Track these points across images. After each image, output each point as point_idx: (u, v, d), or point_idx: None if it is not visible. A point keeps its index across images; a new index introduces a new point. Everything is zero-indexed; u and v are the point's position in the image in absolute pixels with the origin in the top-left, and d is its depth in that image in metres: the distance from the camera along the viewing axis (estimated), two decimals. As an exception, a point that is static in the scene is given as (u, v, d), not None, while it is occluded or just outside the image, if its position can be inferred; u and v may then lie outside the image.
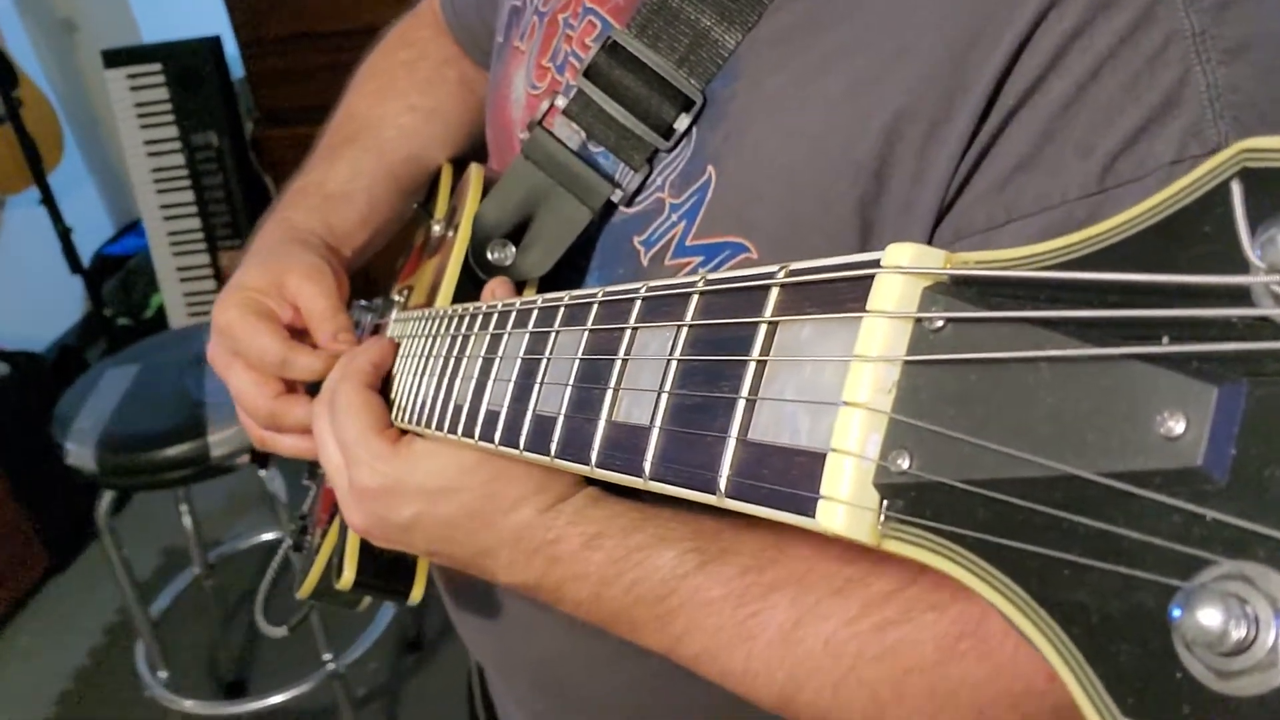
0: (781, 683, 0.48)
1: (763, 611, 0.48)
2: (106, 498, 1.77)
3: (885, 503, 0.23)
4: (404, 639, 2.20)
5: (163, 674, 1.89)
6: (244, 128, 2.88)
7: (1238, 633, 0.15)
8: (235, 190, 2.85)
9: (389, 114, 0.78)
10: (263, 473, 1.71)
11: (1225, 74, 0.40)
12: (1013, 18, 0.42)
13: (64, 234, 2.52)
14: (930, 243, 0.46)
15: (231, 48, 2.80)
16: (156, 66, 2.78)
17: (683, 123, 0.52)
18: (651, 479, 0.31)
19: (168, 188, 2.85)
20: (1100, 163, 0.41)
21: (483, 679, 0.89)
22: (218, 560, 2.23)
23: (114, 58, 2.79)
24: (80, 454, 1.66)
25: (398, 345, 0.58)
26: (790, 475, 0.25)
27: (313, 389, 0.67)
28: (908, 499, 0.22)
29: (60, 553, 2.50)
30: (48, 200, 2.50)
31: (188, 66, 2.79)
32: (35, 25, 3.02)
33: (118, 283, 3.00)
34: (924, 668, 0.46)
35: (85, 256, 2.66)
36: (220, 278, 2.91)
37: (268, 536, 2.36)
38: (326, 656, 1.84)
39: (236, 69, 2.86)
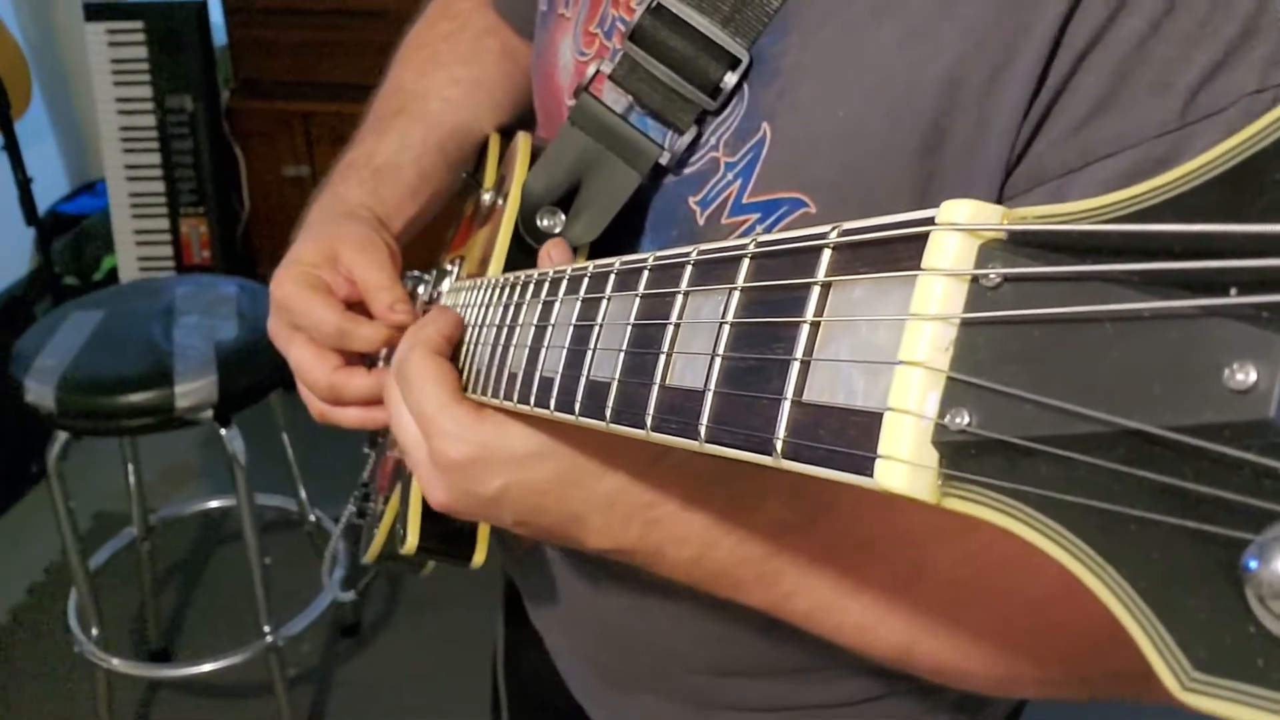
0: (900, 632, 0.48)
1: (871, 562, 0.48)
2: (59, 441, 1.72)
3: (945, 461, 0.23)
4: (340, 623, 2.18)
5: (95, 631, 1.86)
6: (220, 95, 2.85)
7: (1313, 585, 0.15)
8: (204, 157, 2.82)
9: (434, 86, 0.79)
10: (224, 431, 1.69)
11: None
12: None
13: (23, 183, 2.48)
14: (1003, 191, 0.46)
15: (216, 14, 2.77)
16: (138, 24, 2.75)
17: (729, 81, 0.52)
18: (707, 442, 0.31)
19: (135, 148, 2.82)
20: (1181, 98, 0.40)
21: (510, 664, 0.91)
22: (159, 523, 2.19)
23: (95, 11, 2.76)
24: (40, 392, 1.61)
25: (462, 319, 0.58)
26: (847, 435, 0.25)
27: (372, 362, 0.68)
28: (968, 457, 0.22)
29: None
30: (10, 147, 2.46)
31: (170, 28, 2.76)
32: None
33: (69, 242, 2.97)
34: (1041, 605, 0.46)
35: (39, 211, 2.63)
36: (179, 244, 2.89)
37: (214, 503, 2.34)
38: (267, 628, 1.82)
39: (219, 36, 2.82)
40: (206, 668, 1.89)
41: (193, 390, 1.63)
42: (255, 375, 1.70)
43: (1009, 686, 0.51)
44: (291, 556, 2.17)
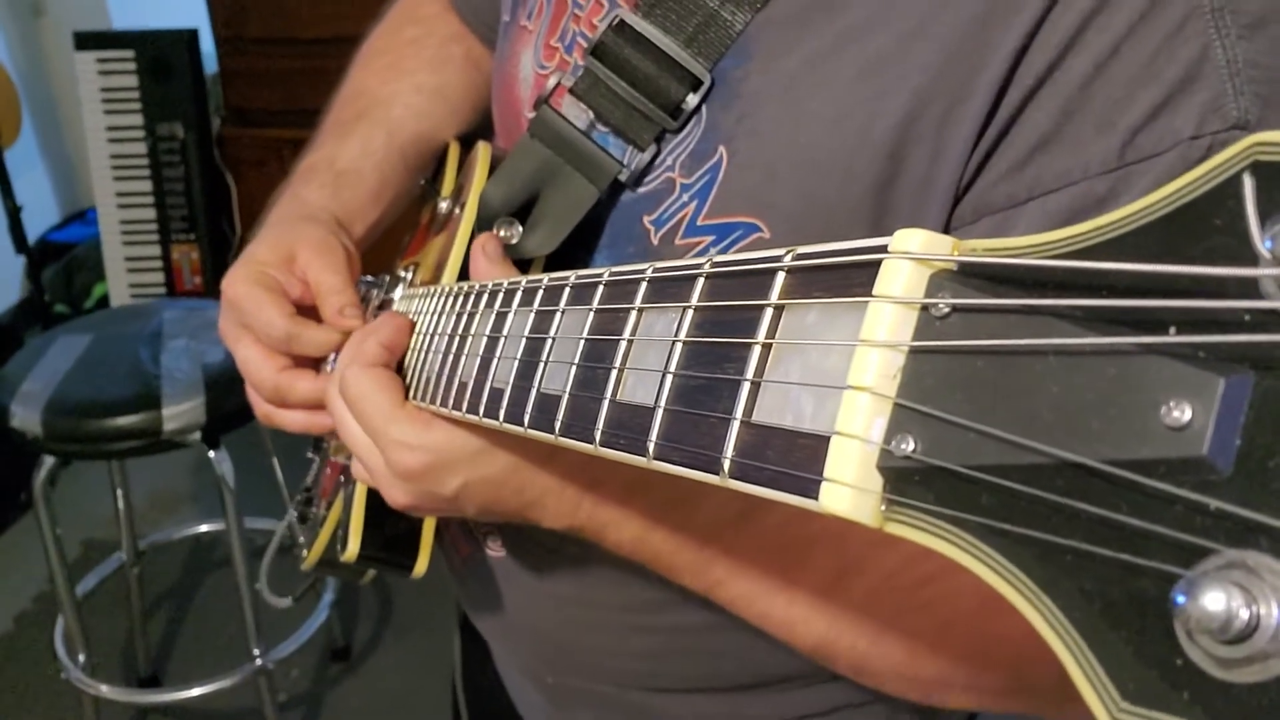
0: (821, 632, 0.49)
1: (805, 561, 0.49)
2: (46, 465, 1.70)
3: (888, 486, 0.23)
4: (331, 647, 2.16)
5: (82, 658, 1.84)
6: (211, 123, 2.85)
7: (1239, 621, 0.15)
8: (195, 185, 2.83)
9: (398, 92, 0.78)
10: (212, 454, 1.67)
11: (1245, 49, 0.40)
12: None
13: (13, 211, 2.47)
14: (949, 221, 0.47)
15: (207, 43, 2.76)
16: (129, 53, 2.75)
17: (691, 102, 0.52)
18: (655, 459, 0.31)
19: (126, 175, 2.82)
20: (1121, 138, 0.41)
21: (467, 684, 0.90)
22: (148, 548, 2.16)
23: (86, 40, 2.76)
24: (26, 417, 1.59)
25: (413, 324, 0.58)
26: (794, 457, 0.25)
27: (322, 364, 0.67)
28: (911, 483, 0.22)
29: None
30: (0, 176, 2.46)
31: (160, 57, 2.76)
32: (3, 3, 2.96)
33: (60, 270, 2.96)
34: (962, 621, 0.47)
35: (29, 240, 2.62)
36: (170, 271, 2.89)
37: (204, 528, 2.31)
38: (256, 651, 1.80)
39: (210, 65, 2.82)
40: (195, 692, 1.86)
41: (180, 413, 1.62)
42: (243, 397, 1.65)
43: (934, 692, 0.51)
44: (282, 581, 2.12)
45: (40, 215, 3.02)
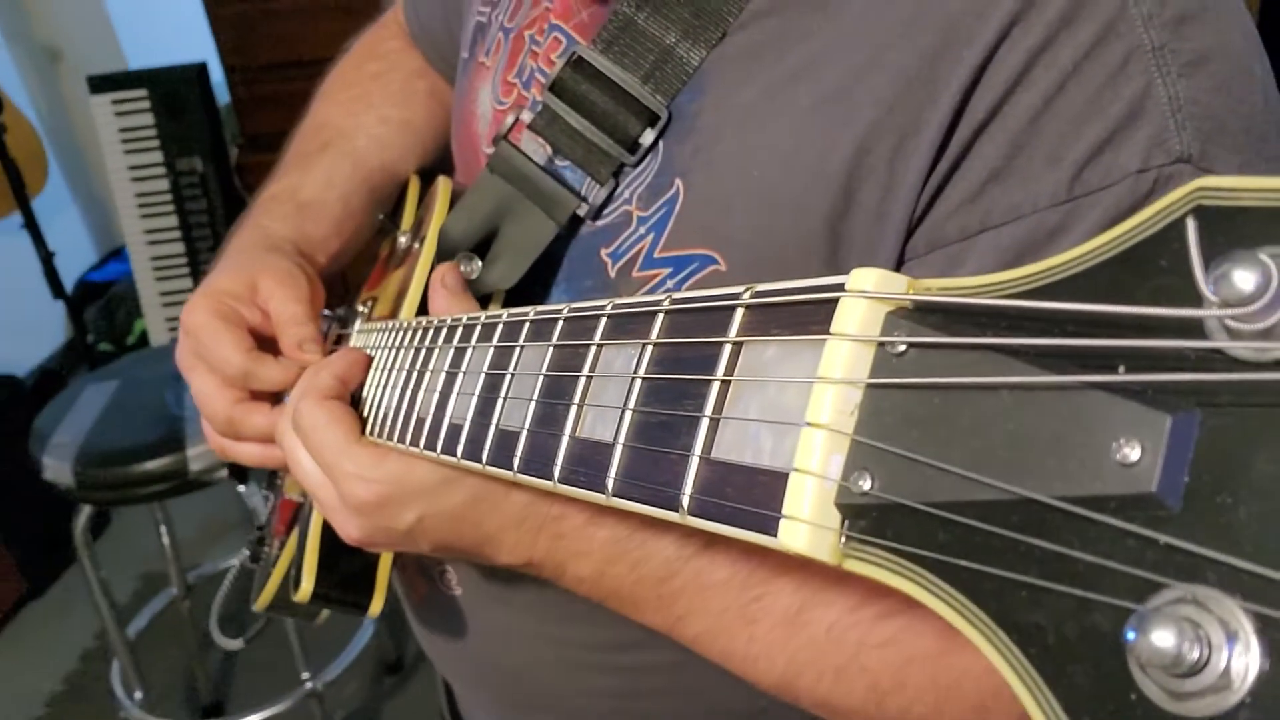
0: (783, 667, 0.49)
1: (766, 596, 0.49)
2: (84, 514, 1.75)
3: (846, 523, 0.23)
4: (383, 661, 2.17)
5: (138, 694, 1.86)
6: (229, 153, 2.88)
7: (1191, 655, 0.15)
8: (219, 215, 2.86)
9: (363, 124, 0.78)
10: (241, 488, 1.68)
11: (1185, 86, 0.42)
12: (977, 33, 0.43)
13: (46, 259, 2.50)
14: (903, 254, 0.47)
15: (217, 74, 2.79)
16: (142, 92, 2.78)
17: (648, 137, 0.53)
18: (615, 495, 0.31)
19: (152, 213, 2.85)
20: (1069, 171, 0.42)
21: (450, 698, 0.89)
22: (197, 581, 2.17)
23: (99, 84, 2.79)
24: (57, 469, 1.64)
25: (370, 359, 0.57)
26: (753, 494, 0.26)
27: (279, 397, 0.66)
28: (869, 519, 0.23)
29: (36, 580, 2.46)
30: (30, 225, 2.48)
31: (173, 92, 2.79)
32: (21, 51, 3.00)
33: (100, 308, 2.99)
34: (925, 658, 0.47)
35: (68, 283, 2.65)
36: None
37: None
38: (304, 675, 1.82)
39: (222, 95, 2.85)
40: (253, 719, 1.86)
41: (205, 452, 1.64)
42: None
43: None
44: (237, 621, 2.12)
45: (77, 256, 3.06)
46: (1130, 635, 0.16)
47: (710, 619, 0.49)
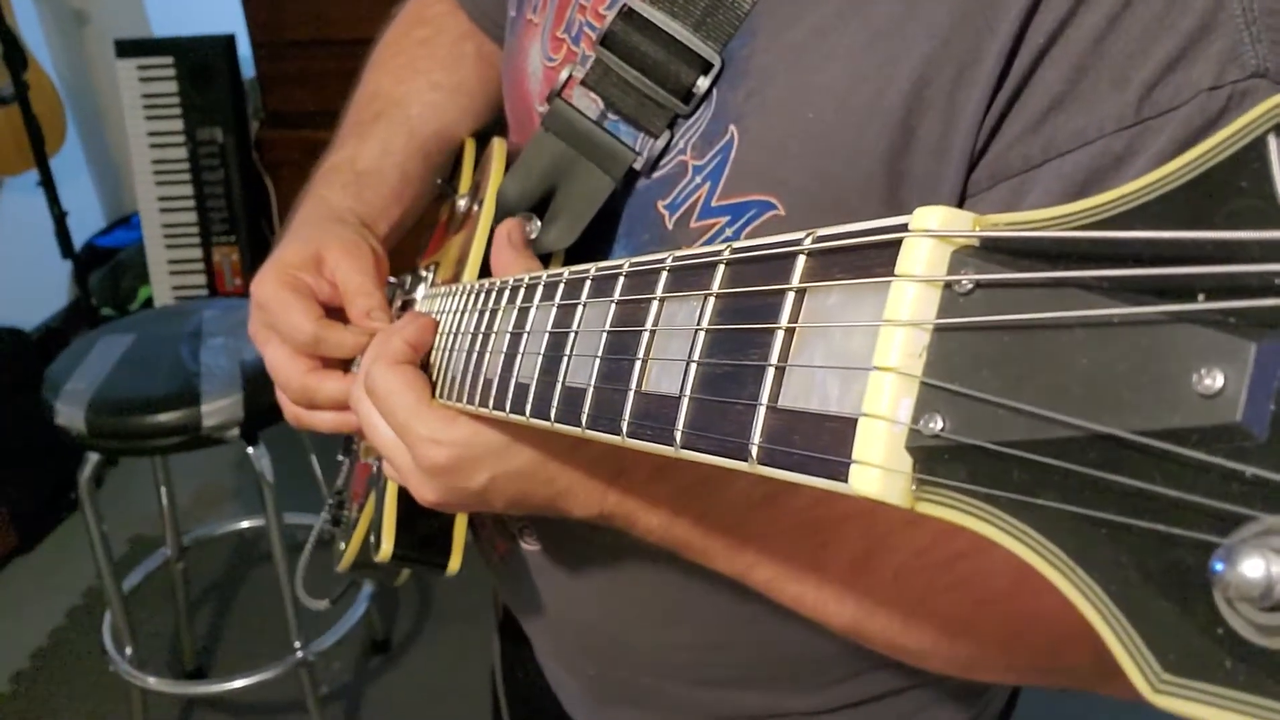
0: (852, 610, 0.49)
1: (833, 542, 0.49)
2: (91, 462, 1.74)
3: (918, 465, 0.23)
4: (371, 640, 2.17)
5: (128, 650, 1.88)
6: (249, 127, 2.89)
7: (1280, 587, 0.15)
8: (235, 188, 2.87)
9: (414, 91, 0.78)
10: (251, 450, 1.70)
11: None
12: None
13: (59, 218, 2.53)
14: (965, 190, 0.46)
15: (244, 47, 2.80)
16: (168, 60, 2.80)
17: (702, 85, 0.52)
18: (683, 448, 0.31)
19: (167, 180, 2.87)
20: (1136, 93, 0.41)
21: (507, 677, 0.91)
22: (192, 544, 2.19)
23: (126, 48, 2.81)
24: (70, 414, 1.63)
25: (437, 323, 0.58)
26: (822, 441, 0.25)
27: (350, 365, 0.67)
28: (941, 461, 0.22)
29: (26, 536, 2.48)
30: (47, 183, 2.50)
31: (200, 62, 2.81)
32: (48, 13, 3.03)
33: (106, 273, 3.02)
34: (995, 600, 0.47)
35: (76, 245, 2.68)
36: (211, 273, 2.94)
37: (245, 524, 2.34)
38: (297, 644, 1.83)
39: (247, 69, 2.86)
40: (239, 684, 1.89)
41: (219, 409, 1.64)
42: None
43: (972, 669, 0.51)
44: (321, 574, 2.12)
45: (86, 221, 3.09)
46: (1218, 567, 0.16)
47: (779, 566, 0.50)
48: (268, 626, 2.16)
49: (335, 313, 0.67)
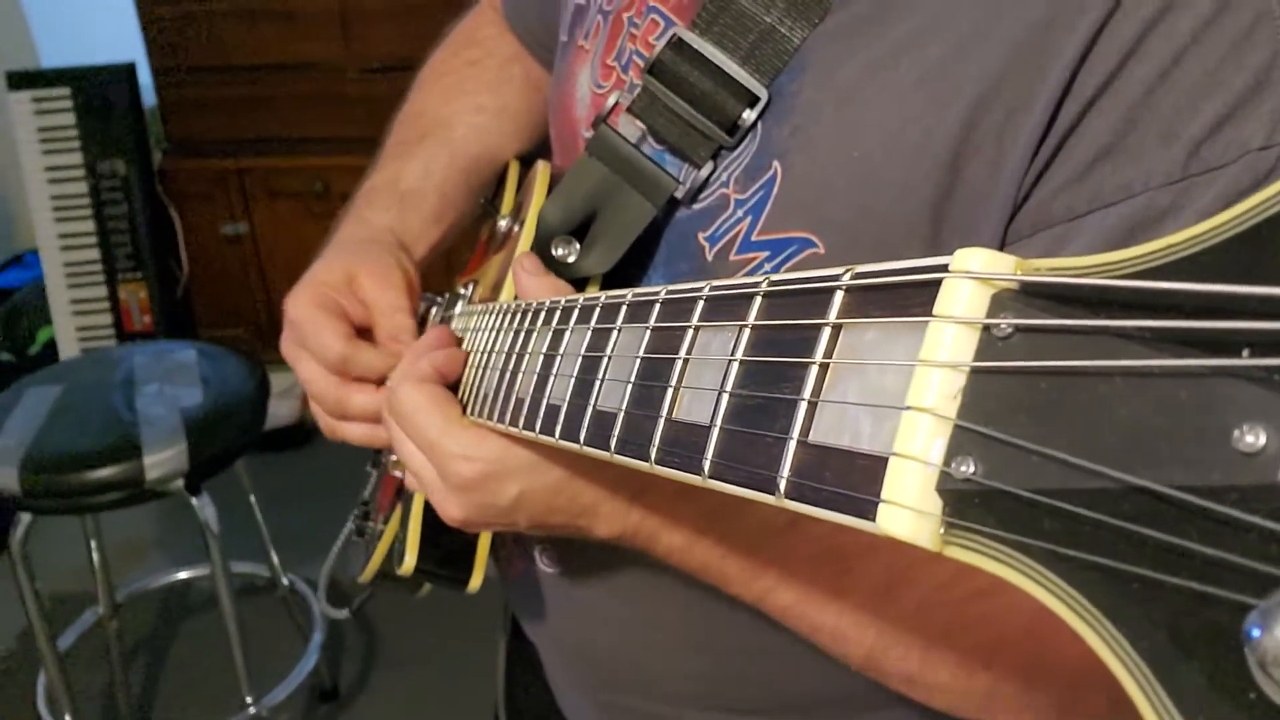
0: (871, 642, 0.49)
1: (856, 570, 0.49)
2: (24, 522, 1.63)
3: (948, 509, 0.23)
4: (319, 688, 2.11)
5: (67, 717, 1.78)
6: (152, 157, 2.79)
7: (1316, 655, 0.15)
8: (139, 221, 2.76)
9: (459, 112, 0.79)
10: (195, 500, 1.63)
11: None
12: (1089, 2, 0.42)
13: None
14: (1005, 235, 0.46)
15: (144, 76, 2.72)
16: (64, 91, 2.70)
17: (748, 118, 0.52)
18: (711, 477, 0.31)
19: (68, 216, 2.75)
20: (1185, 149, 0.40)
21: (510, 697, 0.90)
22: (125, 599, 2.10)
23: (18, 80, 2.69)
24: (1, 474, 1.53)
25: (467, 355, 0.59)
26: (852, 478, 0.25)
27: (384, 379, 0.68)
28: (971, 506, 0.22)
29: None
30: None
31: (99, 92, 2.70)
32: None
33: (1, 316, 2.84)
34: (1015, 640, 0.46)
35: None
36: (118, 312, 2.82)
37: (182, 575, 2.26)
38: (249, 699, 1.76)
39: (148, 97, 2.77)
40: None
41: (162, 460, 1.58)
42: (224, 441, 1.66)
43: (987, 708, 0.50)
44: (264, 623, 2.10)
45: None
46: (1253, 633, 0.15)
47: (799, 592, 0.49)
48: (208, 681, 2.08)
49: (366, 333, 0.68)
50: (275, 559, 2.06)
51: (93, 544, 1.96)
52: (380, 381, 0.67)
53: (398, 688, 2.15)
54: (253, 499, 1.96)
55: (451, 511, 0.53)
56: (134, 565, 2.45)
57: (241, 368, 1.79)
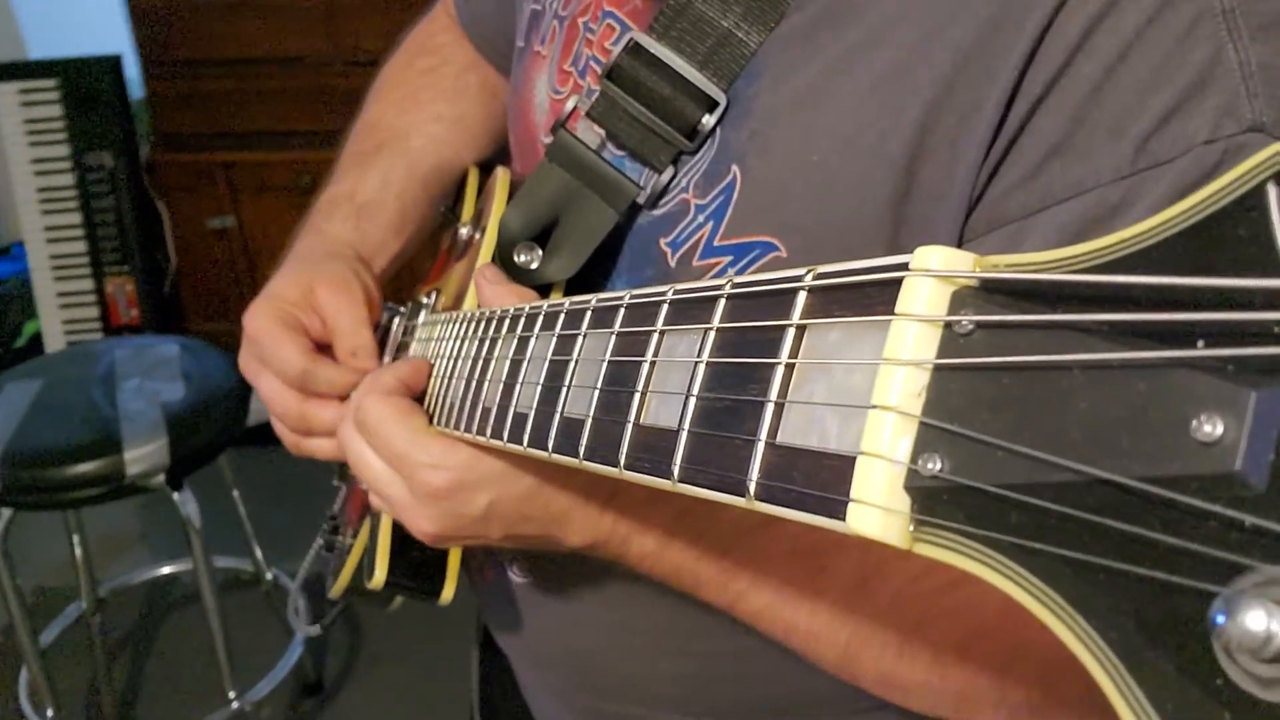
0: (846, 640, 0.49)
1: (829, 567, 0.49)
2: (4, 517, 1.64)
3: (916, 506, 0.23)
4: (302, 682, 2.10)
5: (50, 712, 1.78)
6: (140, 150, 2.77)
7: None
8: (126, 214, 2.75)
9: (416, 122, 0.79)
10: (176, 495, 1.63)
11: (1259, 51, 0.40)
12: (1036, 2, 0.42)
13: None
14: (962, 234, 0.46)
15: (132, 68, 2.71)
16: (51, 82, 2.68)
17: (707, 123, 0.52)
18: (680, 481, 0.31)
19: (54, 209, 2.73)
20: (1133, 144, 0.41)
21: (484, 703, 0.90)
22: (108, 594, 2.09)
23: (5, 71, 2.68)
24: None
25: (431, 366, 0.58)
26: (820, 478, 0.25)
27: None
28: (939, 502, 0.22)
29: None
30: None
31: (86, 84, 2.69)
32: None
33: None
34: (988, 632, 0.47)
35: None
36: (105, 304, 2.80)
37: (165, 570, 2.25)
38: (231, 694, 1.76)
39: (136, 90, 2.75)
40: None
41: (143, 455, 1.57)
42: (206, 436, 1.65)
43: (963, 705, 0.51)
44: (247, 619, 2.09)
45: None
46: (1217, 620, 0.16)
47: (773, 591, 0.49)
48: (191, 677, 2.08)
49: (326, 348, 0.67)
50: (259, 554, 2.05)
51: (75, 539, 1.95)
52: (342, 397, 0.67)
53: (382, 683, 2.15)
54: (236, 494, 1.95)
55: (422, 525, 0.52)
56: (117, 560, 2.44)
57: (224, 362, 1.78)
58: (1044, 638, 0.47)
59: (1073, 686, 0.45)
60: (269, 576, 2.08)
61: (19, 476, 1.55)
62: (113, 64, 2.71)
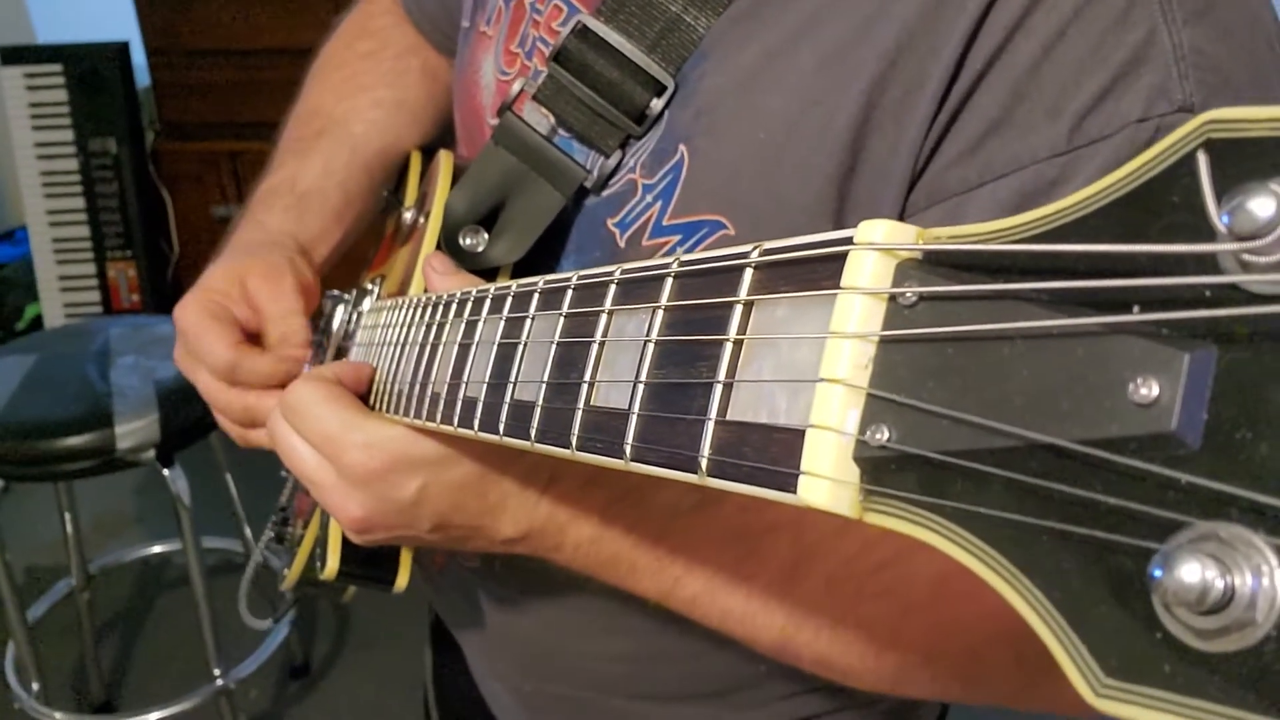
0: (781, 622, 0.49)
1: (762, 549, 0.49)
2: None
3: (866, 476, 0.23)
4: (290, 664, 2.11)
5: (35, 685, 1.79)
6: (145, 137, 2.79)
7: (1215, 591, 0.15)
8: (130, 200, 2.77)
9: (356, 108, 0.78)
10: (166, 472, 1.63)
11: (1190, 34, 0.41)
12: None
13: None
14: (904, 209, 0.47)
15: (138, 55, 2.72)
16: (57, 67, 2.69)
17: (655, 107, 0.52)
18: (633, 460, 0.31)
19: (57, 193, 2.76)
20: (1069, 123, 0.42)
21: (438, 691, 0.90)
22: (97, 572, 2.09)
23: (11, 55, 2.69)
24: None
25: (374, 370, 0.57)
26: (771, 452, 0.26)
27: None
28: (888, 472, 0.23)
29: None
30: None
31: (91, 70, 2.70)
32: None
33: None
34: (918, 608, 0.47)
35: None
36: (106, 289, 2.83)
37: (157, 549, 2.26)
38: (216, 671, 1.77)
39: (142, 78, 2.77)
40: (154, 716, 1.82)
41: (134, 430, 1.57)
42: (197, 413, 1.64)
43: (899, 683, 0.51)
44: (237, 600, 2.08)
45: None
46: (1156, 573, 0.16)
47: (707, 577, 0.50)
48: (179, 655, 2.08)
49: (260, 340, 0.66)
50: (249, 534, 2.05)
51: (66, 516, 1.95)
52: (282, 388, 0.66)
53: (370, 664, 2.15)
54: (228, 475, 1.94)
55: (350, 510, 0.50)
56: (109, 539, 2.43)
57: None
58: (971, 612, 0.48)
59: (1002, 654, 0.46)
60: (259, 558, 2.07)
61: (10, 448, 1.55)
62: (119, 51, 2.72)
